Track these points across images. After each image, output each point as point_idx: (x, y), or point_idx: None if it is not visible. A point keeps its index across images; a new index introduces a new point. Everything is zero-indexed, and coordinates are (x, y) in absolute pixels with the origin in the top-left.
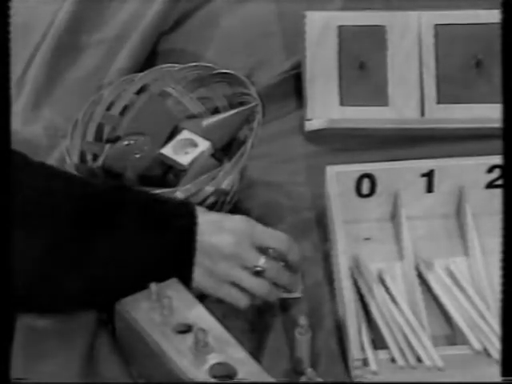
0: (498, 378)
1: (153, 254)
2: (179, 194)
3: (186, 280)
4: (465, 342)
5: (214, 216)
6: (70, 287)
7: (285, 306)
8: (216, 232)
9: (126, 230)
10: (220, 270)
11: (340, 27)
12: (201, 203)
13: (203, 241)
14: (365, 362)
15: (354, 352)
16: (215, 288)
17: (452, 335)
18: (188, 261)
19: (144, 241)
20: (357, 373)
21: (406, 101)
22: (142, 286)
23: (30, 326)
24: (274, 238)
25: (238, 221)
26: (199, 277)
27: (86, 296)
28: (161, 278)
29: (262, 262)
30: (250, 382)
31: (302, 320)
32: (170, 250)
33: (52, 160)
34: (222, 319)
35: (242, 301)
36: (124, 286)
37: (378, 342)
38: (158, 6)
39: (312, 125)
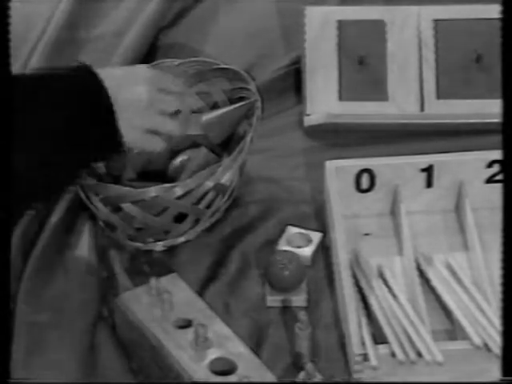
0: (498, 373)
1: (77, 127)
2: (179, 189)
3: (117, 138)
4: (465, 336)
5: (118, 71)
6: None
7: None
8: (128, 85)
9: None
10: (142, 120)
11: (339, 22)
12: (201, 198)
13: (118, 97)
14: (365, 357)
15: (354, 347)
16: (138, 139)
17: (452, 330)
18: (111, 119)
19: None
20: (357, 368)
21: (406, 96)
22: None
23: (31, 320)
24: (173, 81)
25: (142, 71)
26: (125, 132)
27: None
28: (94, 148)
29: (175, 104)
30: (250, 382)
31: (302, 315)
32: (91, 117)
33: None
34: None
35: (160, 145)
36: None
37: (378, 337)
38: (157, 2)
39: (311, 120)
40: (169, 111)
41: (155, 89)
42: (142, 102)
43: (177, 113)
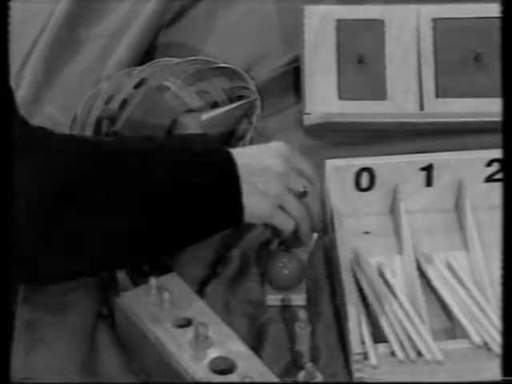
0: (498, 372)
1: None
2: None
3: (238, 207)
4: (465, 335)
5: (252, 147)
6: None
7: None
8: (259, 157)
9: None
10: (273, 191)
11: (338, 21)
12: None
13: (251, 164)
14: (365, 356)
15: (354, 346)
16: (269, 212)
17: (452, 329)
18: (234, 183)
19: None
20: (356, 367)
21: (405, 95)
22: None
23: (31, 319)
24: (307, 162)
25: (277, 145)
26: (254, 200)
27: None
28: (217, 216)
29: (305, 183)
30: (251, 382)
31: (302, 314)
32: (213, 181)
33: None
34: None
35: (289, 225)
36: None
37: (378, 336)
38: (156, 1)
39: (311, 119)
40: (296, 190)
41: (287, 164)
42: (272, 172)
43: (304, 194)
